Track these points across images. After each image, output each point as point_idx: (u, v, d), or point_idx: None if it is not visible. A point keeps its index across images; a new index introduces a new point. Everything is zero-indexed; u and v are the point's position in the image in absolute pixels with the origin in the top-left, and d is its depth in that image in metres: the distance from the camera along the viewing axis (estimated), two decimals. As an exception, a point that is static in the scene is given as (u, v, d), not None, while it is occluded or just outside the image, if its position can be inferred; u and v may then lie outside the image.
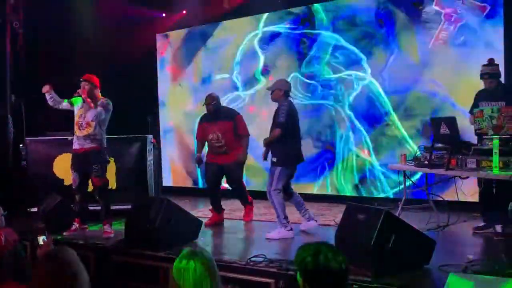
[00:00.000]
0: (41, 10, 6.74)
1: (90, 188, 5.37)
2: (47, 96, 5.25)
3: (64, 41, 7.09)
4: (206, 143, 5.77)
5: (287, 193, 5.11)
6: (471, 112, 4.89)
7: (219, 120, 5.57)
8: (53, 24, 6.83)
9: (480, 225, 4.75)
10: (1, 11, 6.52)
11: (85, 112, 5.16)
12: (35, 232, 4.96)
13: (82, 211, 5.32)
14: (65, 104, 5.28)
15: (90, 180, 5.23)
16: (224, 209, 5.79)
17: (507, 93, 4.68)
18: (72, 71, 7.09)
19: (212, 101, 5.57)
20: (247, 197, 5.78)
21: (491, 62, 4.79)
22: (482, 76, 4.76)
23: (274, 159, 4.91)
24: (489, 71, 4.71)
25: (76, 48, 7.23)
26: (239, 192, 5.77)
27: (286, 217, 4.88)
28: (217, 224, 5.62)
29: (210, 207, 5.76)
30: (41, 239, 3.43)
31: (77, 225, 5.23)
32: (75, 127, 5.23)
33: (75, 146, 5.21)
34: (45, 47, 7.02)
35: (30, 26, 6.75)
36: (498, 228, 4.53)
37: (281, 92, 4.95)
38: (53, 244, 2.93)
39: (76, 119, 5.22)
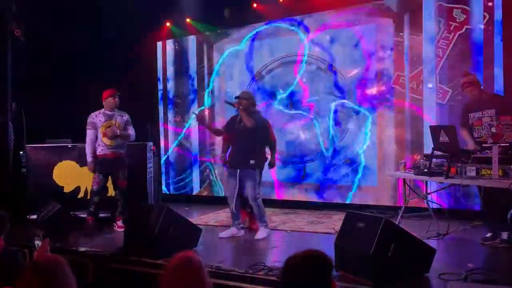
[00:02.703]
0: (42, 18, 6.76)
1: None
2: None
3: (65, 49, 7.12)
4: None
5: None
6: (461, 125, 4.91)
7: None
8: (54, 33, 6.86)
9: (487, 235, 4.58)
10: (3, 19, 6.55)
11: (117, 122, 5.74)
12: (33, 238, 4.98)
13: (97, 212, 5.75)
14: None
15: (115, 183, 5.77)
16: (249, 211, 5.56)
17: (492, 100, 4.68)
18: (73, 79, 7.12)
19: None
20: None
21: (466, 73, 4.93)
22: (462, 85, 4.84)
23: (252, 161, 5.03)
24: (467, 80, 4.77)
25: (77, 57, 7.26)
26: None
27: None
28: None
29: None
30: (37, 243, 3.47)
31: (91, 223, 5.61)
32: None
33: (105, 151, 5.68)
34: (46, 55, 7.05)
35: (31, 34, 6.77)
36: (504, 235, 4.39)
37: (249, 102, 5.11)
38: (49, 248, 2.90)
39: (102, 129, 5.68)
